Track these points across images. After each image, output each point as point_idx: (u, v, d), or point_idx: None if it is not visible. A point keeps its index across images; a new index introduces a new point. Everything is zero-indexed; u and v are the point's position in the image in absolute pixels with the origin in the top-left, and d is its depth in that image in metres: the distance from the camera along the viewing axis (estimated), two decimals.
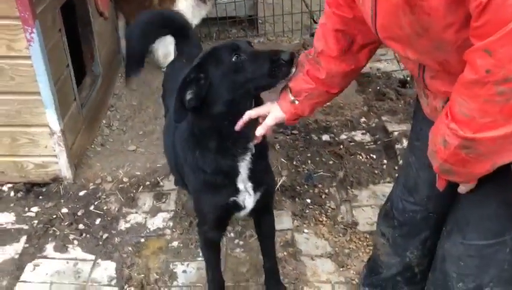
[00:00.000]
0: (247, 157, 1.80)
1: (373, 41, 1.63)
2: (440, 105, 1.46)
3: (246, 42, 1.77)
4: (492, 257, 1.53)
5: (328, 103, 3.57)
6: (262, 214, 2.12)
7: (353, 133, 3.33)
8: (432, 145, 1.36)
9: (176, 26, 2.52)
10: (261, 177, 1.91)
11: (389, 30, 1.34)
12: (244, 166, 1.82)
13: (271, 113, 1.74)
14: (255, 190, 1.91)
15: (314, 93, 1.69)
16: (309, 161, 3.10)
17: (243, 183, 1.86)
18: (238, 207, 1.93)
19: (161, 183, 2.97)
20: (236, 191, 1.88)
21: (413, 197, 1.80)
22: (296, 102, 1.72)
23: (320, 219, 2.73)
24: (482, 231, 1.53)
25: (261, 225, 2.19)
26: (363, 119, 3.45)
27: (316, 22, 4.77)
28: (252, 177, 1.86)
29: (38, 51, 2.48)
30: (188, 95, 1.65)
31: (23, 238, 2.62)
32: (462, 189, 1.49)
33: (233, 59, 1.66)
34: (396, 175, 2.43)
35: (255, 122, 1.74)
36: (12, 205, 2.83)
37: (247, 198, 1.91)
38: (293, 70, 1.68)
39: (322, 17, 1.69)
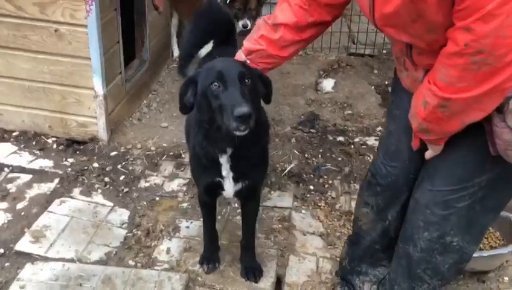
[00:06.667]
0: (226, 156, 2.00)
1: (324, 22, 1.95)
2: (421, 75, 1.68)
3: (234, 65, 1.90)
4: (454, 204, 1.71)
5: (349, 111, 3.88)
6: (247, 200, 2.32)
7: (367, 138, 3.54)
8: (414, 108, 1.63)
9: (224, 34, 2.74)
10: (245, 171, 2.10)
11: (388, 19, 1.59)
12: (224, 161, 2.03)
13: None
14: (235, 180, 2.11)
15: (264, 54, 1.98)
16: (320, 156, 3.33)
17: (226, 171, 2.08)
18: (222, 187, 2.16)
19: (183, 156, 3.29)
20: (220, 175, 2.10)
21: (395, 162, 1.98)
22: (247, 60, 2.01)
23: (319, 204, 2.94)
24: (449, 177, 1.71)
25: (244, 208, 2.39)
26: (379, 128, 3.65)
27: (354, 43, 5.04)
28: (234, 169, 2.06)
29: (94, 21, 2.91)
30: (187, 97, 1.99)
31: (56, 180, 3.00)
32: (429, 153, 1.70)
33: (212, 86, 1.84)
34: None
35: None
36: (53, 154, 3.24)
37: (228, 184, 2.13)
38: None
39: None
